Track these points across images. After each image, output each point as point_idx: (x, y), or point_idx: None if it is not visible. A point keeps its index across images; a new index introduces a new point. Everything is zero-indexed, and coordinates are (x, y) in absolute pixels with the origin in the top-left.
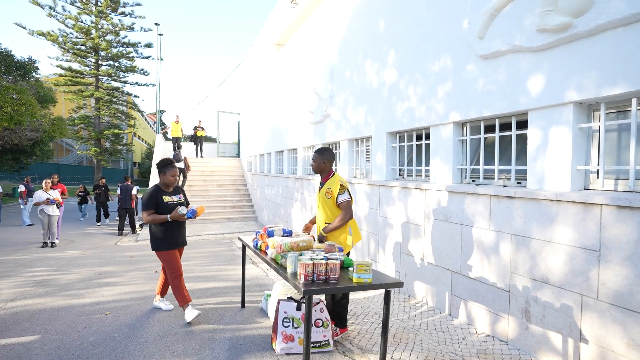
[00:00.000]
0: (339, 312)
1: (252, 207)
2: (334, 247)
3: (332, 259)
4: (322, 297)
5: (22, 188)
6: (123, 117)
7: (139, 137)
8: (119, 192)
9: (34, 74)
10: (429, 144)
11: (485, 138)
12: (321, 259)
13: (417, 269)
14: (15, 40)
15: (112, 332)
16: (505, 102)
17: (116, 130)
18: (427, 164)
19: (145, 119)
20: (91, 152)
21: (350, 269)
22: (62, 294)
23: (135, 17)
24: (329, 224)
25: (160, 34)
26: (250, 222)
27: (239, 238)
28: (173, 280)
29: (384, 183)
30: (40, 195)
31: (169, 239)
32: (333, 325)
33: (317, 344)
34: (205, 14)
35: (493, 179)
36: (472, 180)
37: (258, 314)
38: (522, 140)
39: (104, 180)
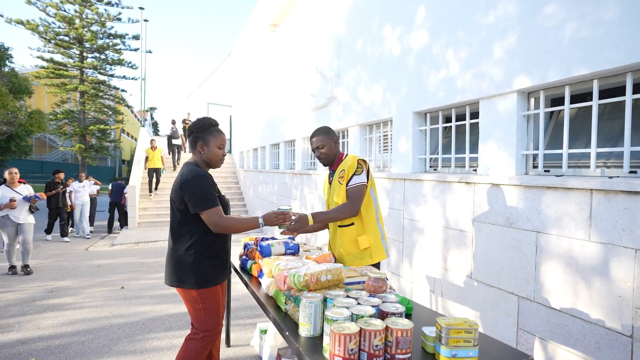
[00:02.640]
0: None
1: (245, 207)
2: (382, 282)
3: (394, 315)
4: None
5: None
6: (110, 113)
7: (127, 133)
8: (110, 188)
9: (7, 62)
10: (474, 124)
11: (555, 114)
12: (371, 317)
13: (461, 290)
14: None
15: None
16: (619, 51)
17: (102, 126)
18: (473, 150)
19: (135, 115)
20: (75, 148)
21: (427, 331)
22: None
23: (122, 8)
24: (345, 225)
25: (145, 20)
26: None
27: None
28: (206, 339)
29: (410, 176)
30: (2, 193)
31: (224, 265)
32: None
33: None
34: (195, 7)
35: (587, 167)
36: (546, 171)
37: (249, 359)
38: (615, 109)
39: (62, 175)
